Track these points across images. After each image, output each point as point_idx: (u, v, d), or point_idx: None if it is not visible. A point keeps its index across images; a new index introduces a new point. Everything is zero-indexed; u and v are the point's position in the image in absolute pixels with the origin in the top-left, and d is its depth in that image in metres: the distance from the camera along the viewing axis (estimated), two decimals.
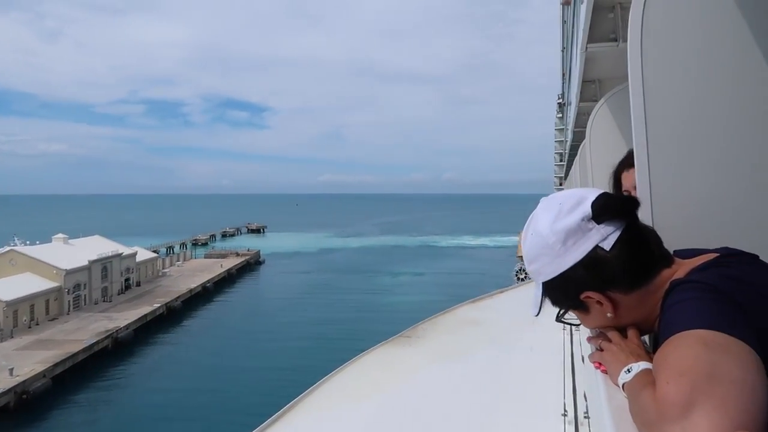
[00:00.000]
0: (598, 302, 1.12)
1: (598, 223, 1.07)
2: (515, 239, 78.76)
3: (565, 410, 3.64)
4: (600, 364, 1.14)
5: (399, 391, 4.09)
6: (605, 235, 1.07)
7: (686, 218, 1.35)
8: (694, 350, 0.86)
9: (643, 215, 1.20)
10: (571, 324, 1.23)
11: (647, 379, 0.96)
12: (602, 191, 1.12)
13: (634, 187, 2.13)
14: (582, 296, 1.12)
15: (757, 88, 1.36)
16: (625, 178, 2.25)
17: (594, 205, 1.08)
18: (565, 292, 1.14)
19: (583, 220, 1.08)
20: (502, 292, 6.40)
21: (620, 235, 1.07)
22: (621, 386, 1.01)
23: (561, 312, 1.20)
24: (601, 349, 1.15)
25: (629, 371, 1.03)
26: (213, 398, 31.70)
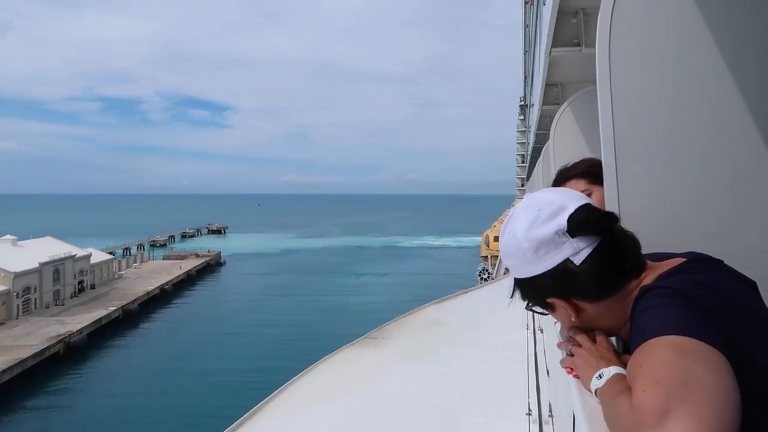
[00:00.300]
0: (563, 308, 1.14)
1: (572, 237, 1.07)
2: (478, 240, 79.82)
3: (529, 409, 3.70)
4: (572, 369, 1.15)
5: (366, 393, 4.08)
6: (577, 250, 1.07)
7: (653, 222, 1.37)
8: (667, 357, 0.87)
9: None
10: (540, 313, 1.25)
11: (621, 385, 0.97)
12: (583, 202, 1.13)
13: None
14: (547, 300, 1.15)
15: (724, 93, 1.40)
16: (573, 186, 2.15)
17: (570, 219, 1.08)
18: (532, 293, 1.18)
19: (557, 233, 1.08)
20: (466, 292, 6.48)
21: (592, 251, 1.07)
22: (593, 392, 1.02)
23: (529, 304, 1.22)
24: (572, 354, 1.16)
25: (601, 377, 1.03)
26: (173, 403, 30.89)
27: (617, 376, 1.01)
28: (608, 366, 1.05)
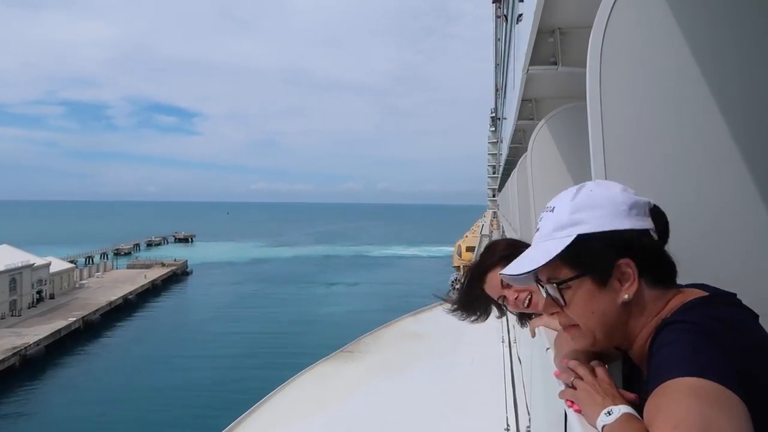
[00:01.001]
0: (621, 279, 1.10)
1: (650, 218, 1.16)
2: (449, 249, 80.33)
3: (507, 424, 3.70)
4: (572, 402, 1.12)
5: (343, 408, 4.02)
6: (654, 229, 1.14)
7: None
8: (686, 402, 0.85)
9: None
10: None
11: (633, 425, 0.96)
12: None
13: (503, 297, 2.05)
14: (620, 261, 1.10)
15: (711, 111, 1.47)
16: (489, 290, 2.03)
17: (651, 207, 1.17)
18: (603, 250, 1.11)
19: (647, 204, 1.16)
20: (441, 304, 6.48)
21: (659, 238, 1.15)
22: (600, 428, 1.00)
23: (550, 288, 1.15)
24: (573, 387, 1.13)
25: (610, 413, 1.01)
26: (135, 416, 29.90)
27: (627, 416, 1.00)
28: (614, 403, 1.04)
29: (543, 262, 1.12)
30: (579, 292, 1.12)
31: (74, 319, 46.62)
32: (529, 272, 1.15)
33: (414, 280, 71.36)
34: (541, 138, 3.85)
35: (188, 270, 79.53)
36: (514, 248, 1.98)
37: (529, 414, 3.18)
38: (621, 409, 1.01)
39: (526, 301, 1.99)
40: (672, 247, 1.20)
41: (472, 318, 2.20)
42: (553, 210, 1.18)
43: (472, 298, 2.12)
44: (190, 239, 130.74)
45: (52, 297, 54.06)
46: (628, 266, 1.10)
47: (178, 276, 74.89)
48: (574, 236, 1.11)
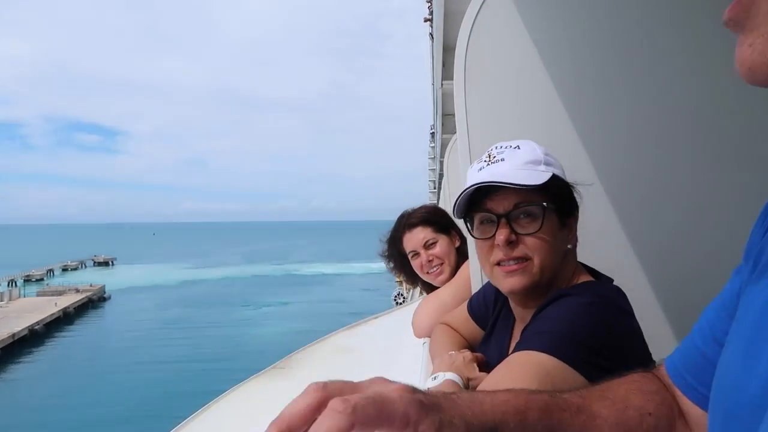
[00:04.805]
0: (570, 229, 1.24)
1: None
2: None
3: None
4: None
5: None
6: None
7: None
8: (521, 373, 0.91)
9: None
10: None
11: (450, 388, 1.11)
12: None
13: (415, 253, 2.39)
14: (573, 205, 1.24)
15: (567, 123, 1.62)
16: (408, 240, 2.36)
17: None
18: (570, 195, 1.24)
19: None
20: (376, 317, 6.40)
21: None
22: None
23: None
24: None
25: (435, 378, 1.17)
26: None
27: (449, 381, 1.16)
28: (446, 372, 1.19)
29: (540, 182, 1.15)
30: (547, 224, 1.17)
31: None
32: (525, 186, 1.15)
33: (350, 297, 70.92)
34: (455, 152, 3.93)
35: (106, 295, 74.50)
36: (440, 216, 2.34)
37: None
38: (446, 376, 1.17)
39: (435, 267, 2.24)
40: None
41: (391, 266, 2.50)
42: (518, 148, 1.21)
43: (393, 249, 2.40)
44: (110, 262, 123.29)
45: None
46: (576, 218, 1.24)
47: (94, 302, 69.91)
48: (551, 173, 1.18)
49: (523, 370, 0.92)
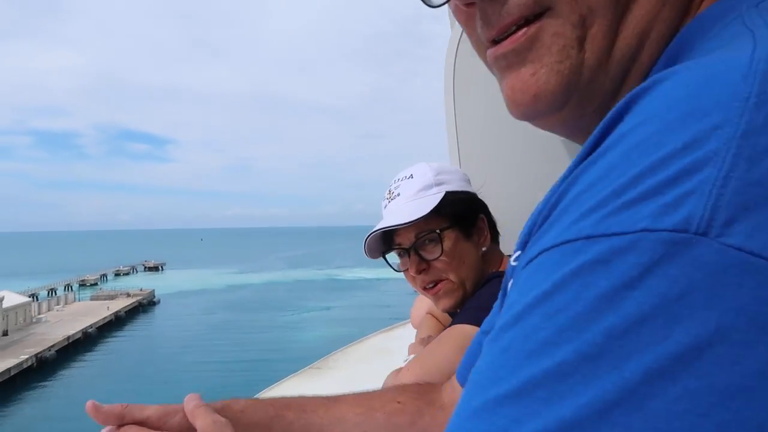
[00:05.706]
0: (478, 233, 1.34)
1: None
2: None
3: None
4: None
5: None
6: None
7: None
8: (447, 342, 1.11)
9: None
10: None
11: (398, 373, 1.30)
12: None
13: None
14: (479, 217, 1.36)
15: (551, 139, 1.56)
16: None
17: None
18: (467, 205, 1.33)
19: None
20: None
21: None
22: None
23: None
24: None
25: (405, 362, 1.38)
26: None
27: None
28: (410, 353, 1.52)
29: (427, 211, 1.24)
30: (451, 242, 1.28)
31: (26, 356, 43.69)
32: (415, 221, 1.25)
33: (393, 302, 70.07)
34: None
35: (155, 299, 76.49)
36: None
37: None
38: (408, 359, 1.40)
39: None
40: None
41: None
42: (411, 177, 1.32)
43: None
44: (160, 267, 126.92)
45: (5, 333, 50.88)
46: (482, 222, 1.35)
47: (144, 306, 71.88)
48: (443, 193, 1.28)
49: (453, 339, 1.09)
